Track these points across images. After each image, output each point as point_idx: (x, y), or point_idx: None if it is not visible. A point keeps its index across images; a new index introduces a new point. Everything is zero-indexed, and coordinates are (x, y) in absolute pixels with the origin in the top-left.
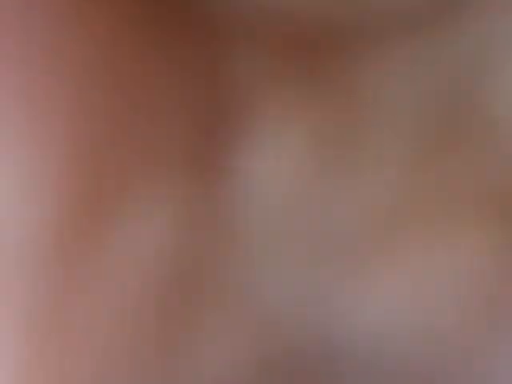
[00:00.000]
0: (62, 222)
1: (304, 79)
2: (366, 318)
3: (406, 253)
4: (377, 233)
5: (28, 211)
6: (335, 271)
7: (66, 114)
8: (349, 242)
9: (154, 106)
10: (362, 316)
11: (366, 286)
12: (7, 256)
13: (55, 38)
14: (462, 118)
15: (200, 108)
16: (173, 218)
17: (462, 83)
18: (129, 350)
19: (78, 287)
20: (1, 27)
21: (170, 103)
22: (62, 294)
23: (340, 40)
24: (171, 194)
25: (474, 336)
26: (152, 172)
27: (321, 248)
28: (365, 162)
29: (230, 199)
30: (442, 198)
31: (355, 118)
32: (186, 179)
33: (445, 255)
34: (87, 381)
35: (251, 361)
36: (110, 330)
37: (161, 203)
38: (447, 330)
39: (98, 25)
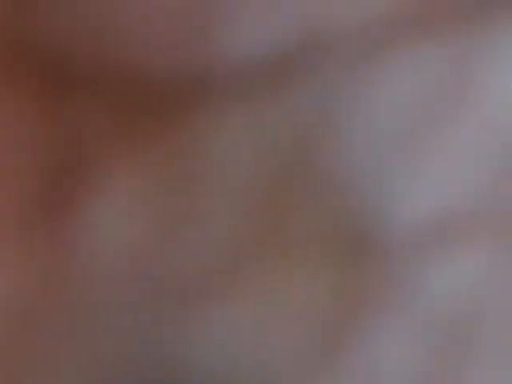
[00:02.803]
0: None
1: (148, 133)
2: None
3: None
4: (212, 275)
5: None
6: (177, 316)
7: None
8: (189, 285)
9: None
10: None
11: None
12: None
13: None
14: (298, 167)
15: (43, 164)
16: (14, 274)
17: (301, 135)
18: None
19: None
20: None
21: (11, 157)
22: None
23: (186, 93)
24: (9, 246)
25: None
26: None
27: (163, 292)
28: (210, 204)
29: (74, 254)
30: (288, 238)
31: (198, 169)
32: (28, 233)
33: (281, 296)
34: None
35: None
36: None
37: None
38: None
39: None
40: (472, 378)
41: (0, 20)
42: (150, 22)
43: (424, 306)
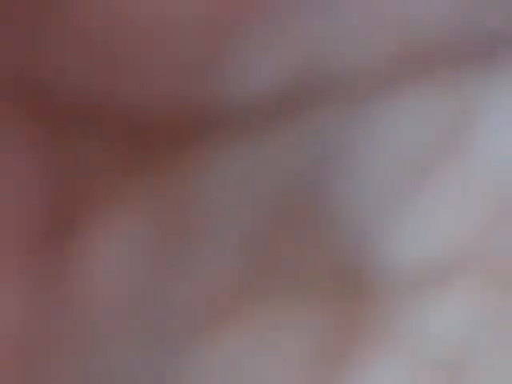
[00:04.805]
0: None
1: (149, 168)
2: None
3: (248, 339)
4: (219, 317)
5: None
6: (174, 352)
7: None
8: (187, 325)
9: None
10: None
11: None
12: None
13: None
14: (297, 207)
15: (38, 207)
16: (13, 314)
17: (306, 173)
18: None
19: None
20: None
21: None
22: None
23: (184, 132)
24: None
25: None
26: None
27: (164, 334)
28: (206, 247)
29: (72, 300)
30: (285, 278)
31: (197, 211)
32: (26, 277)
33: (287, 336)
34: None
35: None
36: None
37: None
38: None
39: None
40: None
41: (3, 57)
42: (149, 59)
43: (419, 346)
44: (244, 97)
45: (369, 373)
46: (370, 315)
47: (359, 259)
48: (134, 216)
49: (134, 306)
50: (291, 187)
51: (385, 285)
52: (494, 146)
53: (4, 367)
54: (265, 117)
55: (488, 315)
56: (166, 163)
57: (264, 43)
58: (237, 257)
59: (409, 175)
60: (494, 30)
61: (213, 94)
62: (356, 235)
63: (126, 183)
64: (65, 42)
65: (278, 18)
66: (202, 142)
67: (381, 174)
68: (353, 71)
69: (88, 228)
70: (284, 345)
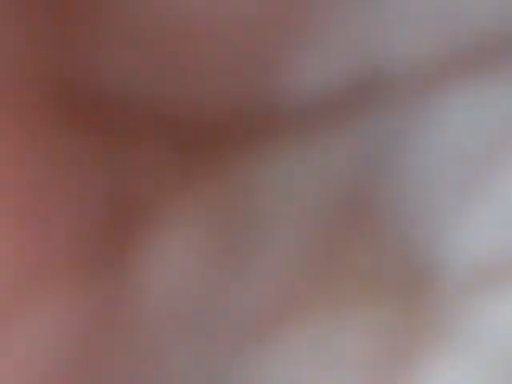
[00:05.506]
0: None
1: (200, 171)
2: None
3: (302, 333)
4: (282, 317)
5: None
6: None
7: None
8: (245, 327)
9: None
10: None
11: (263, 372)
12: None
13: None
14: (355, 206)
15: (96, 211)
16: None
17: (359, 174)
18: None
19: None
20: None
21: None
22: None
23: (246, 134)
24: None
25: None
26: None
27: (219, 334)
28: (269, 248)
29: (128, 298)
30: (348, 278)
31: (253, 217)
32: (81, 279)
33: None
34: None
35: None
36: None
37: (49, 304)
38: None
39: None
40: None
41: (62, 59)
42: (205, 61)
43: (475, 347)
44: (301, 97)
45: (432, 371)
46: (433, 315)
47: (421, 258)
48: (192, 220)
49: (196, 307)
50: (352, 186)
51: (447, 284)
52: None
53: (65, 372)
54: (322, 116)
55: None
56: (230, 164)
57: (319, 42)
58: (300, 257)
59: (470, 174)
60: None
61: (270, 96)
62: (418, 233)
63: (187, 184)
64: (119, 42)
65: (330, 17)
66: (262, 143)
67: (442, 173)
68: (412, 68)
69: (149, 228)
70: (348, 344)
